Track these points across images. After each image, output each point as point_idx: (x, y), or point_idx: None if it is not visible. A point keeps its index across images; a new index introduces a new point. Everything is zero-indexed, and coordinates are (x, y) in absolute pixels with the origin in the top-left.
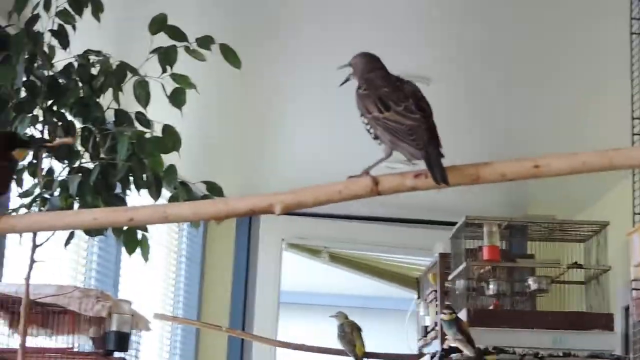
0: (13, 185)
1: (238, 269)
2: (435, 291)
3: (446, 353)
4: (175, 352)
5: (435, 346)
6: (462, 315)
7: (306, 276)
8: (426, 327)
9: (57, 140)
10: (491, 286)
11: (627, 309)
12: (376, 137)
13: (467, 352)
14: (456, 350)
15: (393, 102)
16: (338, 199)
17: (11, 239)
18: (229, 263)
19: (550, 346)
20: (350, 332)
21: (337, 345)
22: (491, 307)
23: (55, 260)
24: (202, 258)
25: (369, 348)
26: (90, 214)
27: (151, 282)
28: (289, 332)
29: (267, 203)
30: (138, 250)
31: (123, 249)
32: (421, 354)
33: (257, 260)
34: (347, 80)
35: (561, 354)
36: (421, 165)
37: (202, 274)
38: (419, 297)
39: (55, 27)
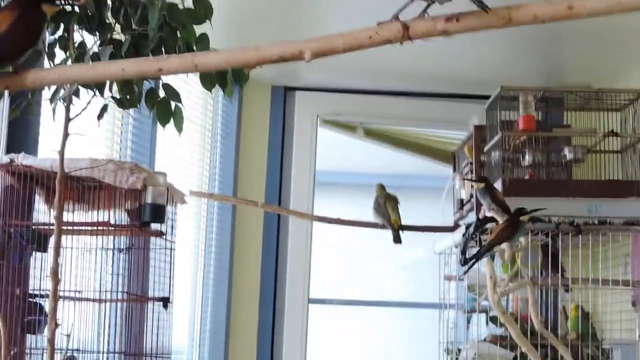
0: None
1: (273, 146)
2: (471, 164)
3: (481, 223)
4: (212, 228)
5: (471, 218)
6: (497, 185)
7: (344, 156)
8: (462, 200)
9: None
10: (527, 157)
11: None
12: None
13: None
14: (491, 219)
15: None
16: (369, 44)
17: (45, 114)
18: (264, 140)
19: (586, 214)
20: (383, 205)
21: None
22: (526, 177)
23: (90, 135)
24: (236, 135)
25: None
26: (119, 64)
27: (187, 160)
28: (327, 212)
29: (297, 49)
30: (172, 123)
31: (159, 126)
32: (457, 225)
33: (293, 137)
34: None
35: (596, 222)
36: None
37: (237, 151)
38: (455, 171)
39: None
